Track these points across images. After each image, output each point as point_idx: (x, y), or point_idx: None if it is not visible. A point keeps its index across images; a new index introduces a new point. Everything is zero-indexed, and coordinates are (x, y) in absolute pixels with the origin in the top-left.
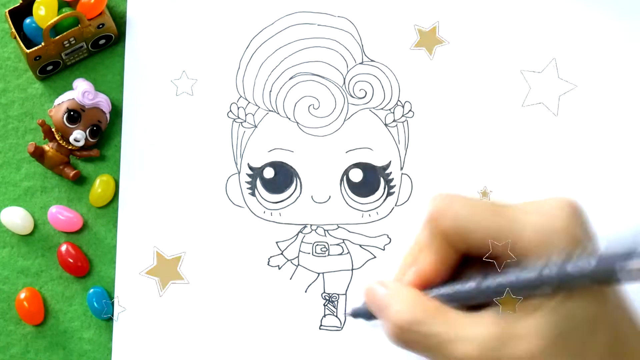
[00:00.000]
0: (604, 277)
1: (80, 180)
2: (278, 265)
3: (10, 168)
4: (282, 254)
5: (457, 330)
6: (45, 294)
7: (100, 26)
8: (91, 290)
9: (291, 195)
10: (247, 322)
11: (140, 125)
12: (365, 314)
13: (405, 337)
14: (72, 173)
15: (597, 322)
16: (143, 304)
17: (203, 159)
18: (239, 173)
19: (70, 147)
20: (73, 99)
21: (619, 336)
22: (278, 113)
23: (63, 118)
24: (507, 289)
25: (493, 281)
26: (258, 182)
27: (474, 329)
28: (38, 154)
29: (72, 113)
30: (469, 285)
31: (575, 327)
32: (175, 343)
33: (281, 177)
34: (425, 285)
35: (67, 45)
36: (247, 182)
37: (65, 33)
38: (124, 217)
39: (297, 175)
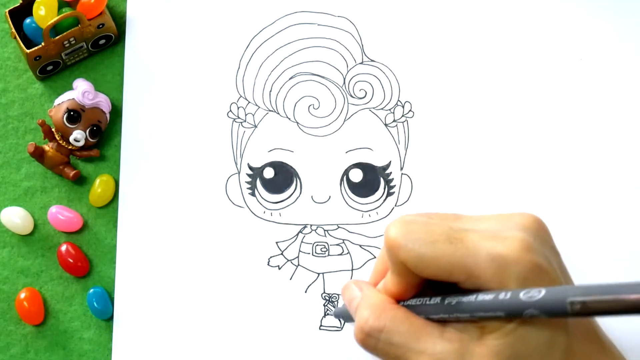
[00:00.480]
0: (552, 308)
1: (80, 180)
2: (278, 266)
3: (10, 168)
4: (282, 254)
5: (419, 343)
6: (45, 294)
7: (100, 26)
8: (91, 290)
9: (291, 195)
10: (247, 322)
11: (140, 125)
12: (345, 315)
13: (368, 342)
14: (72, 173)
15: (552, 347)
16: (143, 304)
17: (203, 159)
18: (239, 173)
19: (70, 147)
20: (73, 99)
21: (576, 358)
22: (278, 113)
23: (63, 118)
24: (467, 309)
25: (454, 299)
26: (258, 182)
27: (435, 343)
28: (38, 154)
29: (72, 113)
30: (433, 300)
31: (529, 350)
32: (175, 343)
33: (281, 177)
34: (394, 299)
35: (67, 45)
36: (247, 182)
37: (65, 33)
38: (124, 217)
39: (297, 175)
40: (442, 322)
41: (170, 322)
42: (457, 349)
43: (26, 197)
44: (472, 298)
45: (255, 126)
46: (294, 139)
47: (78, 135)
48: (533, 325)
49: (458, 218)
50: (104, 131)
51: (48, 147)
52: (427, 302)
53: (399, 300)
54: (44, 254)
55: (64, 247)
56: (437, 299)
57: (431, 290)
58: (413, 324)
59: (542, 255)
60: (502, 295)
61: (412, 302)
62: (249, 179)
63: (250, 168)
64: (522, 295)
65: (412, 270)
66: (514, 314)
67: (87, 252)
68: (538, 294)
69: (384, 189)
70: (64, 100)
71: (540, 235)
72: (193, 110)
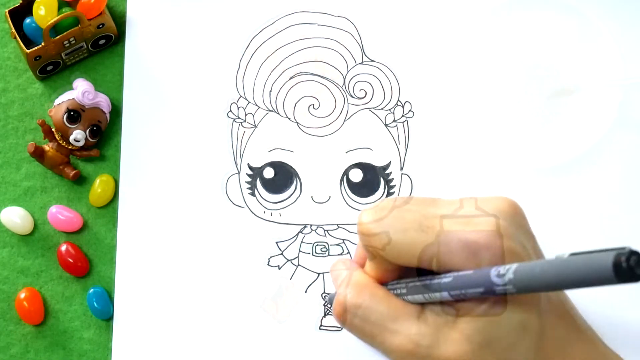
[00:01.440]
0: (523, 286)
1: (80, 180)
2: (278, 266)
3: (10, 168)
4: (282, 254)
5: (395, 323)
6: (45, 294)
7: (100, 26)
8: (91, 290)
9: (291, 195)
10: (247, 321)
11: (140, 125)
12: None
13: (345, 318)
14: (72, 173)
15: (524, 331)
16: (143, 304)
17: (203, 159)
18: (239, 173)
19: (70, 147)
20: (73, 99)
21: (550, 341)
22: (278, 113)
23: (63, 118)
24: (439, 288)
25: (429, 280)
26: (258, 182)
27: (412, 324)
28: (38, 154)
29: (72, 113)
30: (411, 282)
31: (500, 335)
32: (174, 343)
33: (281, 177)
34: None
35: (67, 45)
36: (247, 182)
37: (65, 33)
38: (124, 217)
39: (297, 175)
40: (421, 305)
41: (170, 322)
42: (432, 332)
43: (26, 197)
44: (447, 279)
45: (255, 126)
46: (294, 139)
47: (78, 135)
48: (504, 309)
49: (434, 202)
50: (104, 131)
51: (48, 147)
52: (407, 284)
53: (381, 283)
54: (44, 254)
55: (63, 247)
56: (415, 281)
57: (413, 273)
58: (391, 304)
59: (516, 240)
60: (474, 274)
61: (393, 284)
62: (249, 179)
63: (250, 168)
64: (493, 271)
65: (388, 259)
66: (487, 292)
67: (87, 252)
68: (507, 270)
69: (384, 188)
70: (64, 100)
71: (515, 219)
72: (193, 110)
